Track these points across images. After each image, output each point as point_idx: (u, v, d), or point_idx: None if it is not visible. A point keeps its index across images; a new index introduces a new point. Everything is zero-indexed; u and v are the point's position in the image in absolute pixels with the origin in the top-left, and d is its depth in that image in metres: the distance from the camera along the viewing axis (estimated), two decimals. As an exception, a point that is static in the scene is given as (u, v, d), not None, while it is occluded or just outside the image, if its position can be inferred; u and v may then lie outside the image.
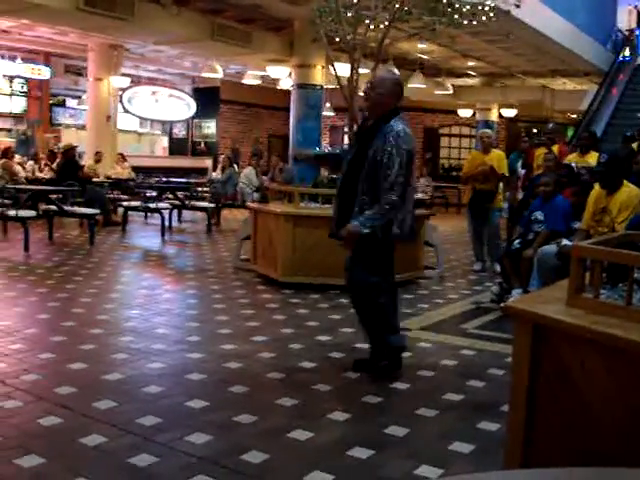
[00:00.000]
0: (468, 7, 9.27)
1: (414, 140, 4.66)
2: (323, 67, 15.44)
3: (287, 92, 17.64)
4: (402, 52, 16.58)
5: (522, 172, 9.92)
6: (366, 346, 5.02)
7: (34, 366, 4.67)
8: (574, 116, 22.75)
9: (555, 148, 9.79)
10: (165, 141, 24.38)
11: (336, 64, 9.01)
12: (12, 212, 10.24)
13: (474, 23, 9.63)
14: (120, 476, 3.20)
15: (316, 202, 7.80)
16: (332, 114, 21.88)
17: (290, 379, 4.62)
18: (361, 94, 8.63)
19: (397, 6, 8.69)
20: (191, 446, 3.49)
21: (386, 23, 8.81)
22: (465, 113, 23.81)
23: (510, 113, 23.11)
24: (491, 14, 9.67)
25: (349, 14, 8.74)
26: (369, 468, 3.36)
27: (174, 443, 3.51)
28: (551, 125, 13.05)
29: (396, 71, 4.29)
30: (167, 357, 5.00)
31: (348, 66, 8.85)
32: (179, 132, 24.10)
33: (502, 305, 6.59)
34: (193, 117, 23.02)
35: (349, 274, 4.73)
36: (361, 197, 4.49)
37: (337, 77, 8.77)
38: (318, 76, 15.65)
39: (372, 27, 8.86)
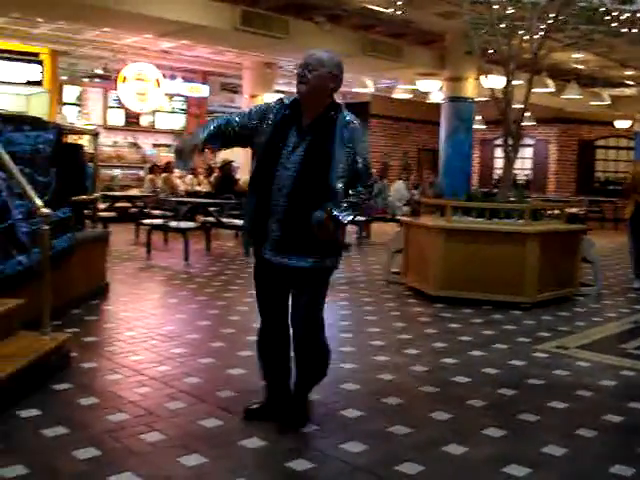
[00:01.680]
0: (627, 15, 8.94)
1: None
2: (475, 80, 15.29)
3: (437, 105, 17.58)
4: (556, 62, 16.16)
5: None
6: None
7: (195, 370, 4.88)
8: None
9: None
10: (316, 156, 24.81)
11: (489, 76, 8.91)
12: (173, 223, 10.76)
13: (634, 31, 9.28)
14: (279, 479, 3.30)
15: (469, 216, 7.73)
16: (483, 127, 21.59)
17: (444, 393, 4.59)
18: (516, 106, 8.57)
19: (552, 16, 8.51)
20: (347, 454, 3.54)
21: (541, 34, 8.64)
22: (622, 124, 22.83)
23: (672, 124, 22.00)
24: (652, 21, 9.30)
25: (503, 25, 8.62)
26: (526, 486, 3.31)
27: (330, 450, 3.58)
28: None
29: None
30: (322, 366, 5.09)
31: (501, 78, 8.73)
32: (330, 147, 24.44)
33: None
34: (343, 132, 23.28)
35: (303, 315, 3.84)
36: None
37: (491, 89, 8.67)
38: (469, 89, 15.52)
39: (526, 38, 8.70)
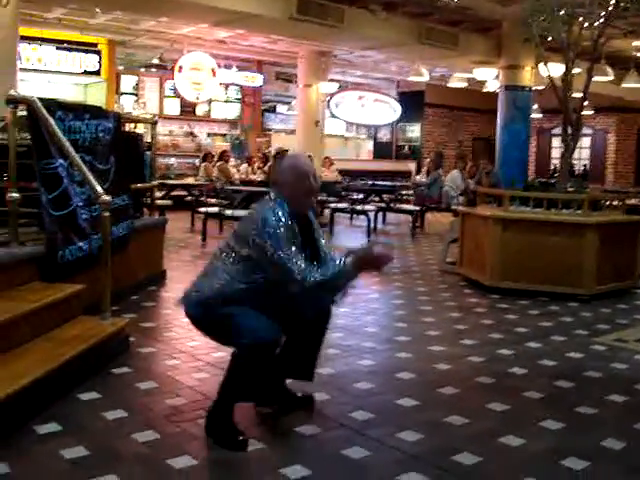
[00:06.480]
0: (690, 2, 8.68)
1: None
2: (532, 68, 15.06)
3: (492, 94, 17.38)
4: (615, 50, 15.79)
5: None
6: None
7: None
8: None
9: None
10: (370, 145, 24.79)
11: (548, 64, 8.75)
12: (228, 211, 10.85)
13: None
14: (335, 466, 3.31)
15: (527, 206, 7.62)
16: (540, 116, 21.27)
17: (500, 384, 4.55)
18: (575, 95, 8.41)
19: (613, 2, 8.32)
20: (402, 443, 3.54)
21: (601, 20, 8.45)
22: (684, 113, 22.28)
23: None
24: None
25: (562, 12, 8.46)
26: (584, 479, 3.27)
27: (386, 439, 3.58)
28: None
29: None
30: (377, 355, 5.10)
31: (560, 66, 8.58)
32: (383, 136, 24.40)
33: None
34: (397, 121, 23.22)
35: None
36: None
37: (550, 78, 8.51)
38: (527, 77, 15.31)
39: (586, 25, 8.51)
